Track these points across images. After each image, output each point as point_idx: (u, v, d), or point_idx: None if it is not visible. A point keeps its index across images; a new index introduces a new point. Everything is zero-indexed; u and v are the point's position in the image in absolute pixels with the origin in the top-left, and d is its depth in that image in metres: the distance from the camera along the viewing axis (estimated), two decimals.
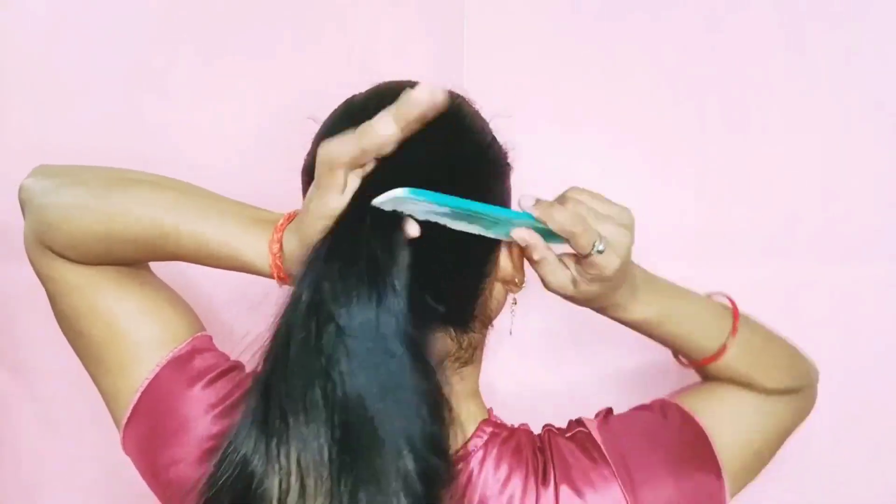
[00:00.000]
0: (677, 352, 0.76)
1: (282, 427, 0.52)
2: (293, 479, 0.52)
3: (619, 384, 1.05)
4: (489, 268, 0.65)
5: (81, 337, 0.66)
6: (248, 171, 1.01)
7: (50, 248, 0.64)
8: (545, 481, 0.63)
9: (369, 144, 0.53)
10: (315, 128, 0.65)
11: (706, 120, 1.03)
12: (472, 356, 0.66)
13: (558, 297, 0.66)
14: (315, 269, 0.54)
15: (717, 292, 0.77)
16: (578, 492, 0.62)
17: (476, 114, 0.65)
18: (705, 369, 0.75)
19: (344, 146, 0.53)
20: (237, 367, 0.67)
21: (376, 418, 0.52)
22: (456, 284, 0.62)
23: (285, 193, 0.69)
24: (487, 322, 0.67)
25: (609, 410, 0.72)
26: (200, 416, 0.63)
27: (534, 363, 1.05)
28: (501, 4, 1.03)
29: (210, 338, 0.69)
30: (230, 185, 0.68)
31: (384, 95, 0.60)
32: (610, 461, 0.64)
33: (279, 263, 0.58)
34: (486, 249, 0.64)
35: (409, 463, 0.52)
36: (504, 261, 0.65)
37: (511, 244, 0.65)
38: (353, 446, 0.52)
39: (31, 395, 1.08)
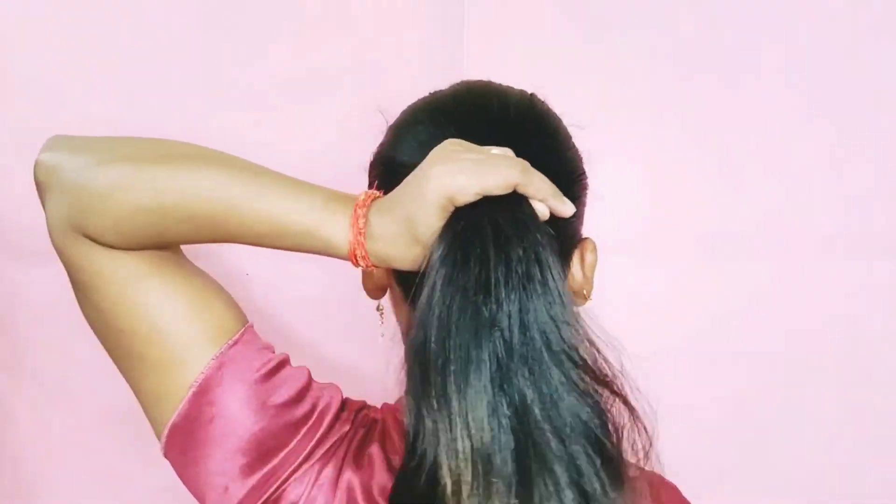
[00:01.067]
0: None
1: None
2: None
3: None
4: (563, 271, 0.61)
5: (120, 333, 0.60)
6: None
7: (86, 232, 0.57)
8: None
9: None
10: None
11: (707, 118, 1.03)
12: None
13: None
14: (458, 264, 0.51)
15: None
16: None
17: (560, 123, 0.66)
18: None
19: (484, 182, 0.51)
20: (286, 360, 0.62)
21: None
22: None
23: None
24: None
25: None
26: (257, 412, 0.58)
27: None
28: (501, 2, 1.03)
29: (253, 327, 0.63)
30: None
31: (474, 95, 0.63)
32: None
33: (362, 241, 0.53)
34: (563, 252, 0.60)
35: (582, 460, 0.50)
36: (576, 269, 0.63)
37: (584, 252, 0.63)
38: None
39: (31, 397, 1.08)
